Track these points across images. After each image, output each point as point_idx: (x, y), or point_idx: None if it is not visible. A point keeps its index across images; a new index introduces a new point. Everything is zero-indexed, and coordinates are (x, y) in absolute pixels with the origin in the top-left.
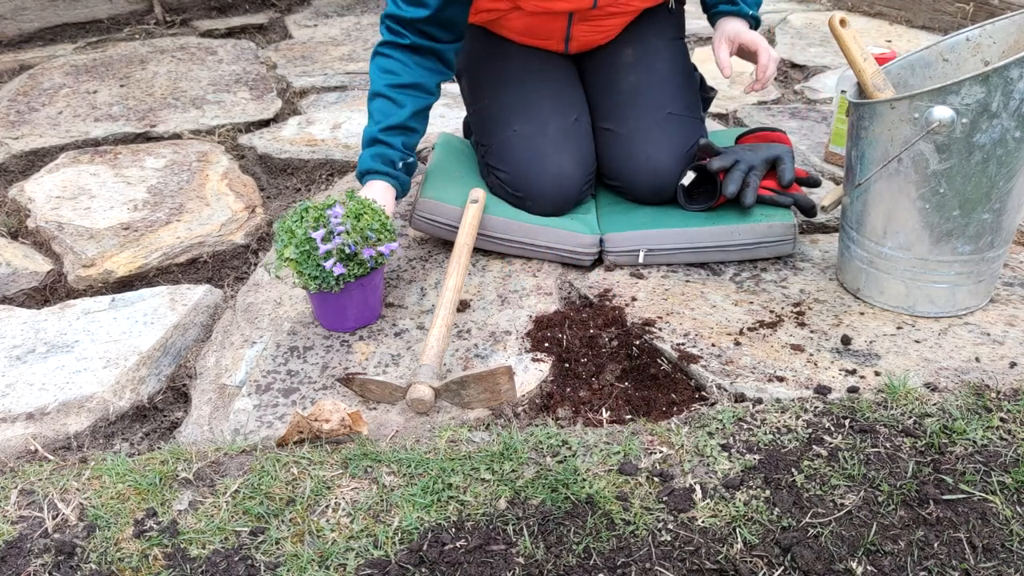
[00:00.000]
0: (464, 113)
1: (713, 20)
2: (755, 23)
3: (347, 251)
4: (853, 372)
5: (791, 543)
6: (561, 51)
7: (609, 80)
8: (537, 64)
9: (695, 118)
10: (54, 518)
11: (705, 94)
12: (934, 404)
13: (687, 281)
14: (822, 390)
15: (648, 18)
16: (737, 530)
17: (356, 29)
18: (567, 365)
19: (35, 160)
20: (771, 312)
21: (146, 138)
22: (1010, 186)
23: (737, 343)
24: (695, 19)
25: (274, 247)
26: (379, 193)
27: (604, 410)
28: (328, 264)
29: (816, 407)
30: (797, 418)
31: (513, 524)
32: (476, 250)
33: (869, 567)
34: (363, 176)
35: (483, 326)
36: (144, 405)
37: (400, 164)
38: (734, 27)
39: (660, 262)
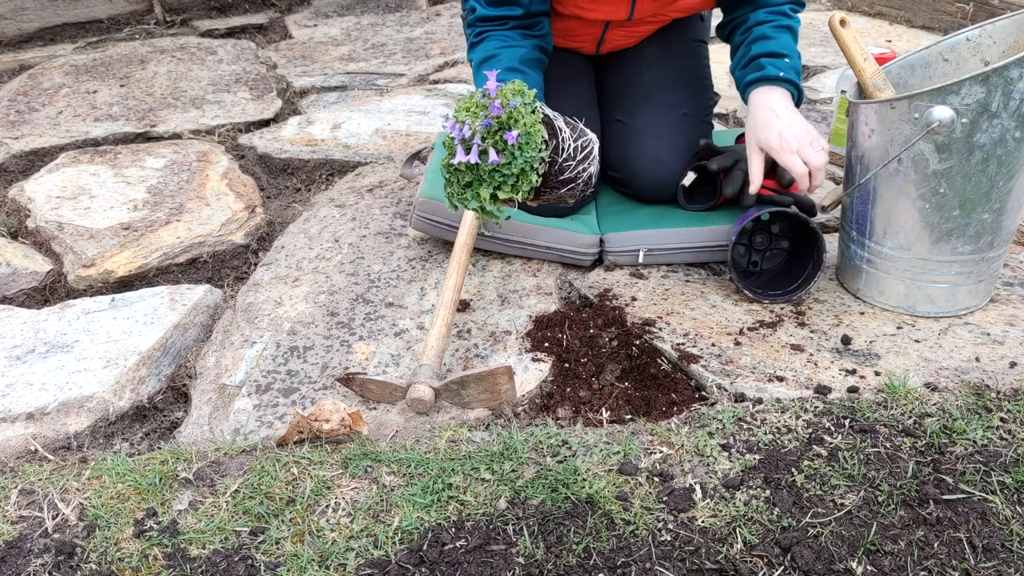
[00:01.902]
0: None
1: (745, 94)
2: (797, 93)
3: None
4: (853, 372)
5: (791, 543)
6: (592, 53)
7: (629, 73)
8: (559, 66)
9: (705, 121)
10: (54, 518)
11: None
12: (934, 404)
13: (687, 281)
14: (822, 390)
15: (678, 21)
16: (737, 530)
17: (356, 29)
18: (567, 365)
19: (35, 160)
20: (771, 312)
21: (146, 138)
22: (1010, 186)
23: (737, 343)
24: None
25: None
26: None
27: (604, 410)
28: None
29: (816, 407)
30: (797, 418)
31: (513, 524)
32: (476, 250)
33: (869, 567)
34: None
35: (483, 326)
36: (144, 405)
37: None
38: (767, 118)
39: (660, 262)
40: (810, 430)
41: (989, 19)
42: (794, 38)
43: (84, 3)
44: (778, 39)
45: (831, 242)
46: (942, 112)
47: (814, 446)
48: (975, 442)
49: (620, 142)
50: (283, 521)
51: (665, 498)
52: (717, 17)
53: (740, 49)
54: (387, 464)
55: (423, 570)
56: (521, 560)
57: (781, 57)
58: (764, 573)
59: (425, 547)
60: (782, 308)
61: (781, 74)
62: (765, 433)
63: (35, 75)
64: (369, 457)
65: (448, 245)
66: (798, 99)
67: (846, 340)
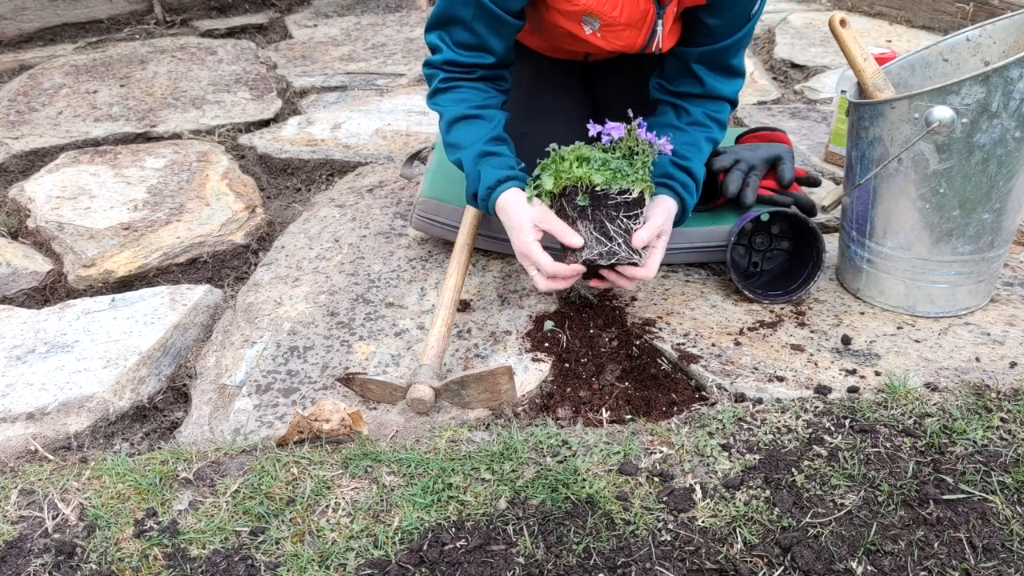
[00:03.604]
0: None
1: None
2: (681, 212)
3: None
4: (853, 372)
5: (791, 543)
6: (580, 60)
7: (624, 74)
8: (553, 71)
9: None
10: (54, 518)
11: None
12: (934, 404)
13: (687, 281)
14: (822, 390)
15: None
16: (737, 530)
17: (356, 29)
18: (567, 365)
19: (35, 160)
20: (771, 312)
21: (146, 138)
22: (1010, 186)
23: (737, 343)
24: None
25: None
26: (521, 200)
27: (604, 410)
28: None
29: (816, 407)
30: (797, 418)
31: (513, 524)
32: (476, 250)
33: (869, 567)
34: (495, 189)
35: (483, 326)
36: (144, 405)
37: (518, 167)
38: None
39: (660, 262)
40: (810, 430)
41: (989, 19)
42: (711, 149)
43: (84, 3)
44: (701, 156)
45: (831, 242)
46: (942, 112)
47: (814, 446)
48: (975, 442)
49: None
50: (283, 521)
51: (665, 498)
52: None
53: (671, 132)
54: (387, 464)
55: (423, 570)
56: (521, 560)
57: (692, 178)
58: (764, 573)
59: (425, 547)
60: (782, 308)
61: (675, 187)
62: (765, 433)
63: (35, 75)
64: (369, 457)
65: (448, 245)
66: (681, 213)
67: (846, 340)
